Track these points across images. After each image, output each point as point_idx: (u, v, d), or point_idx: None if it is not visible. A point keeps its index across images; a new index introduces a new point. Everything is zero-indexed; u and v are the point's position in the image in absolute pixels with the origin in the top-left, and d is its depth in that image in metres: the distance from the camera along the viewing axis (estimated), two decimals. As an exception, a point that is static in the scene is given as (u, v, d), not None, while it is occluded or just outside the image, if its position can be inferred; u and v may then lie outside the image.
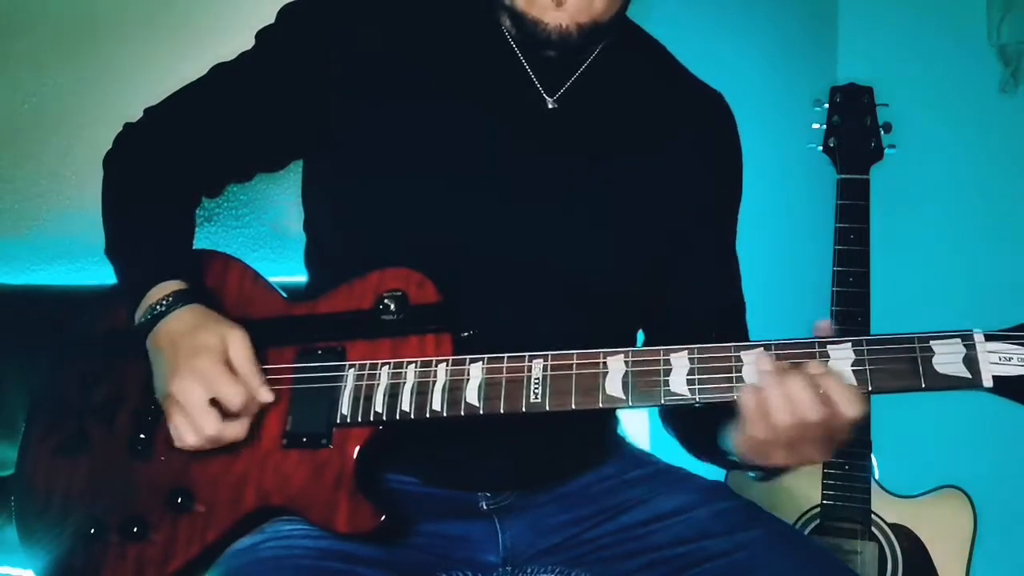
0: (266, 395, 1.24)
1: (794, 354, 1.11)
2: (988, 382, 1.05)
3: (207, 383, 1.20)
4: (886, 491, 2.03)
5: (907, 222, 2.63)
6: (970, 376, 1.05)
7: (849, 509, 2.01)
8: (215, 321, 1.25)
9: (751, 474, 1.26)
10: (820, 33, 2.85)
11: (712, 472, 1.41)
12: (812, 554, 1.25)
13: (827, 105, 2.09)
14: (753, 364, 1.11)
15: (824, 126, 2.08)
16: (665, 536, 1.29)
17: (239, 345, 1.23)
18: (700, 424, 1.31)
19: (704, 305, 1.41)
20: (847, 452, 2.01)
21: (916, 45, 2.74)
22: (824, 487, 2.03)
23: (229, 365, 1.22)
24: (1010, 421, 2.56)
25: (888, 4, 2.82)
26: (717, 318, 1.40)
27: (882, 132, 2.05)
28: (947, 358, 1.06)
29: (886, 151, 2.04)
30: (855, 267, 2.01)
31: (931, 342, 1.07)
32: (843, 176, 2.05)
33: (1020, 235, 2.65)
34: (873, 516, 2.02)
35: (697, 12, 2.43)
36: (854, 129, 2.06)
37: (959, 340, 1.06)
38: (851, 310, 1.98)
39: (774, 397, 1.09)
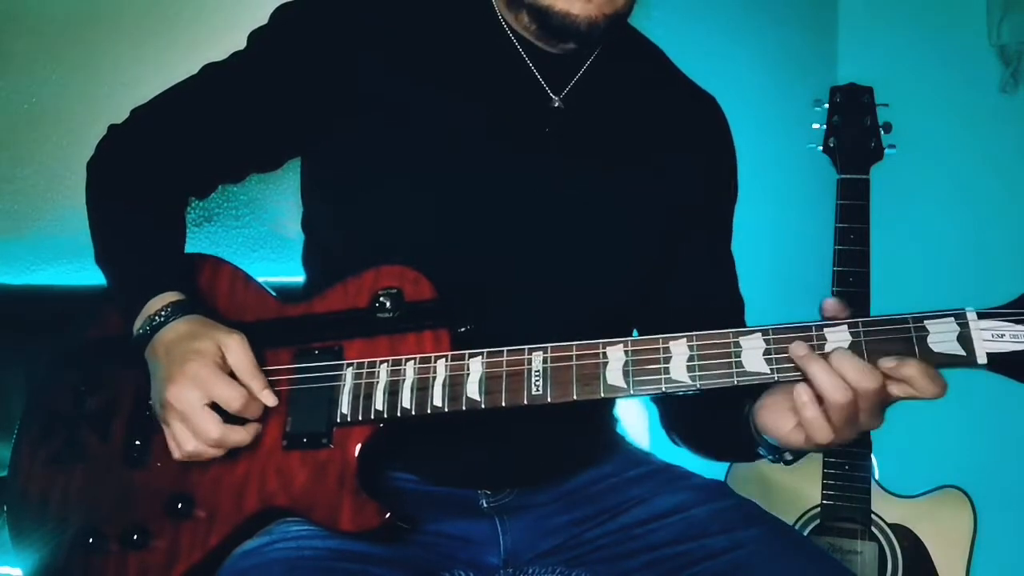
0: (270, 398, 1.22)
1: (791, 337, 1.10)
2: (982, 359, 1.05)
3: (202, 386, 1.18)
4: (886, 491, 2.03)
5: (907, 222, 2.63)
6: (964, 354, 1.06)
7: (849, 509, 2.01)
8: (212, 328, 1.24)
9: (771, 457, 1.23)
10: (820, 33, 2.85)
11: (711, 471, 1.41)
12: (810, 553, 1.25)
13: (827, 105, 2.09)
14: (753, 350, 1.11)
15: (824, 126, 2.08)
16: (664, 535, 1.29)
17: (237, 349, 1.21)
18: (717, 423, 1.30)
19: (702, 306, 1.41)
20: (847, 452, 2.01)
21: (916, 45, 2.75)
22: (824, 487, 2.03)
23: (228, 370, 1.21)
24: (1010, 421, 2.58)
25: (888, 4, 2.82)
26: (716, 318, 1.40)
27: (882, 132, 2.05)
28: (941, 336, 1.07)
29: (886, 151, 2.04)
30: (855, 267, 2.01)
31: (925, 321, 1.08)
32: (843, 176, 2.05)
33: (1020, 235, 2.65)
34: (873, 516, 2.01)
35: (697, 13, 2.43)
36: (854, 129, 2.06)
37: (952, 319, 1.07)
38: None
39: (823, 380, 1.07)
